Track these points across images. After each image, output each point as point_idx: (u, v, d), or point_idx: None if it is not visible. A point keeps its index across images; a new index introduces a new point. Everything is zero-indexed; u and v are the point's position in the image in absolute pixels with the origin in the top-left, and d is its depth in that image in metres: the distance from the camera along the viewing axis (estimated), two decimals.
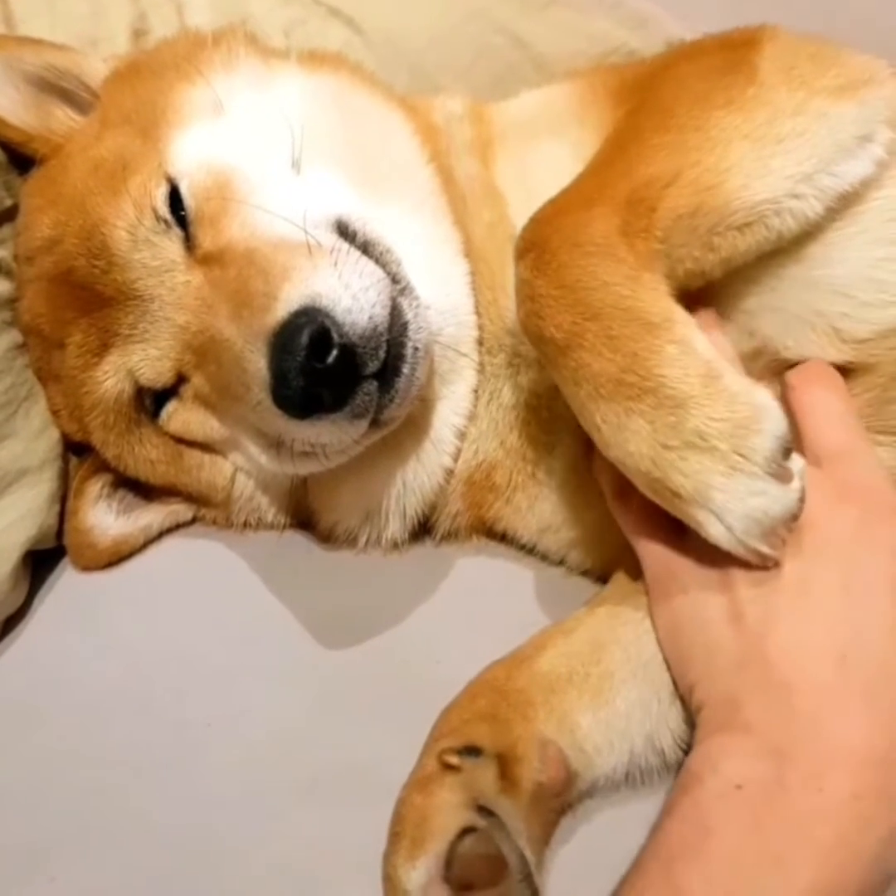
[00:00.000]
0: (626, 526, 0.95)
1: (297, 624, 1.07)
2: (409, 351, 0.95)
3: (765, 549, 0.79)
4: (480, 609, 1.10)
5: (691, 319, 0.84)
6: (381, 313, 0.92)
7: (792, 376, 0.96)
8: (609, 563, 1.07)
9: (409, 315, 0.96)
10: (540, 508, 1.11)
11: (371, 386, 0.93)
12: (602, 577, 1.09)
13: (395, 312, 0.94)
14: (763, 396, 0.80)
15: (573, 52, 1.62)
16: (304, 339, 0.87)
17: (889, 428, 0.97)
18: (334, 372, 0.89)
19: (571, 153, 1.07)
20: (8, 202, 1.16)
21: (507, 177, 1.12)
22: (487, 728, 0.87)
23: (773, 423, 0.79)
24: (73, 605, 1.12)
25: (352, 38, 1.53)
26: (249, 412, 0.98)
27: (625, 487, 0.90)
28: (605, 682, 0.92)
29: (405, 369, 0.95)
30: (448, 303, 1.05)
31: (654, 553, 0.91)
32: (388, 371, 0.94)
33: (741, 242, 0.92)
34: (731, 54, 1.02)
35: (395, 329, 0.94)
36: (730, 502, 0.78)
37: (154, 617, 1.09)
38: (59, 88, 1.16)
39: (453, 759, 0.84)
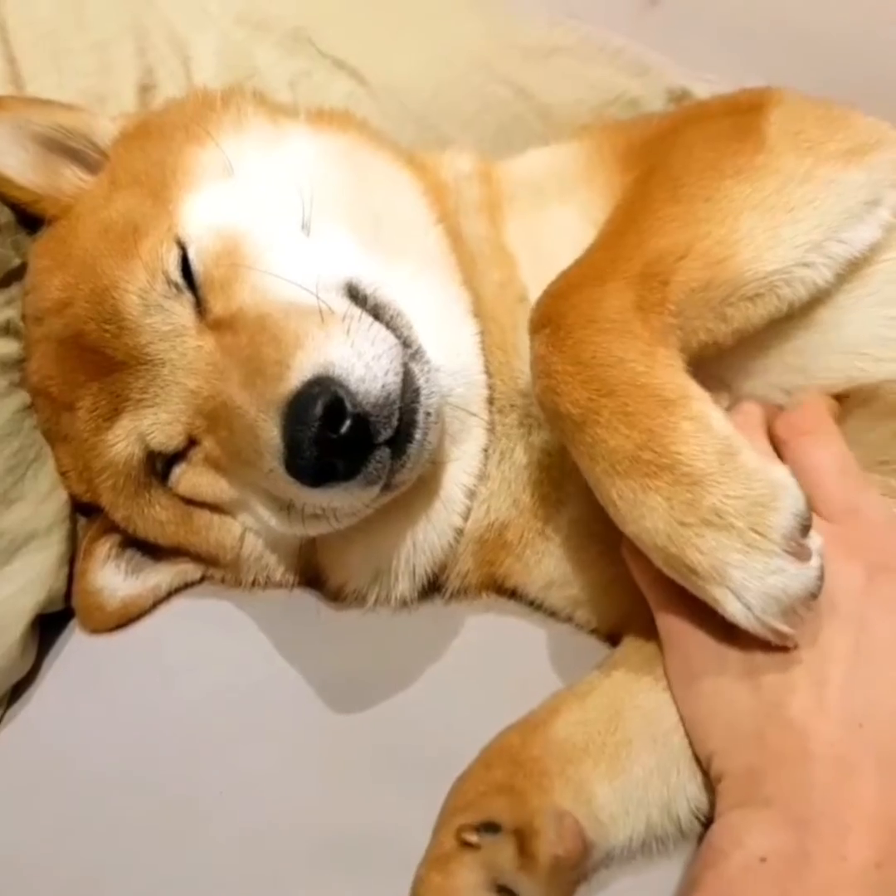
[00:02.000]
0: (642, 583, 0.94)
1: (306, 686, 1.06)
2: (420, 417, 0.96)
3: (783, 627, 0.79)
4: (491, 669, 1.09)
5: (707, 395, 0.85)
6: (393, 381, 0.92)
7: (781, 429, 0.96)
8: (616, 622, 1.07)
9: (420, 380, 0.96)
10: (546, 565, 1.11)
11: (383, 453, 0.93)
12: (610, 637, 1.09)
13: (406, 378, 0.95)
14: (781, 473, 0.81)
15: (576, 101, 1.63)
16: (318, 409, 0.87)
17: None
18: (347, 441, 0.89)
19: (580, 216, 1.08)
20: (16, 262, 1.16)
21: (516, 238, 1.12)
22: (504, 801, 0.86)
23: (791, 500, 0.79)
24: (81, 670, 1.11)
25: (356, 90, 1.54)
26: (261, 478, 0.98)
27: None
28: (623, 750, 0.91)
29: (417, 435, 0.96)
30: (458, 363, 1.05)
31: (670, 616, 0.91)
32: (401, 437, 0.94)
33: (753, 313, 0.93)
34: (739, 119, 1.03)
35: (407, 395, 0.94)
36: (748, 580, 0.78)
37: (163, 680, 1.08)
38: (67, 148, 1.16)
39: (472, 837, 0.83)
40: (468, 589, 1.15)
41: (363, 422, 0.89)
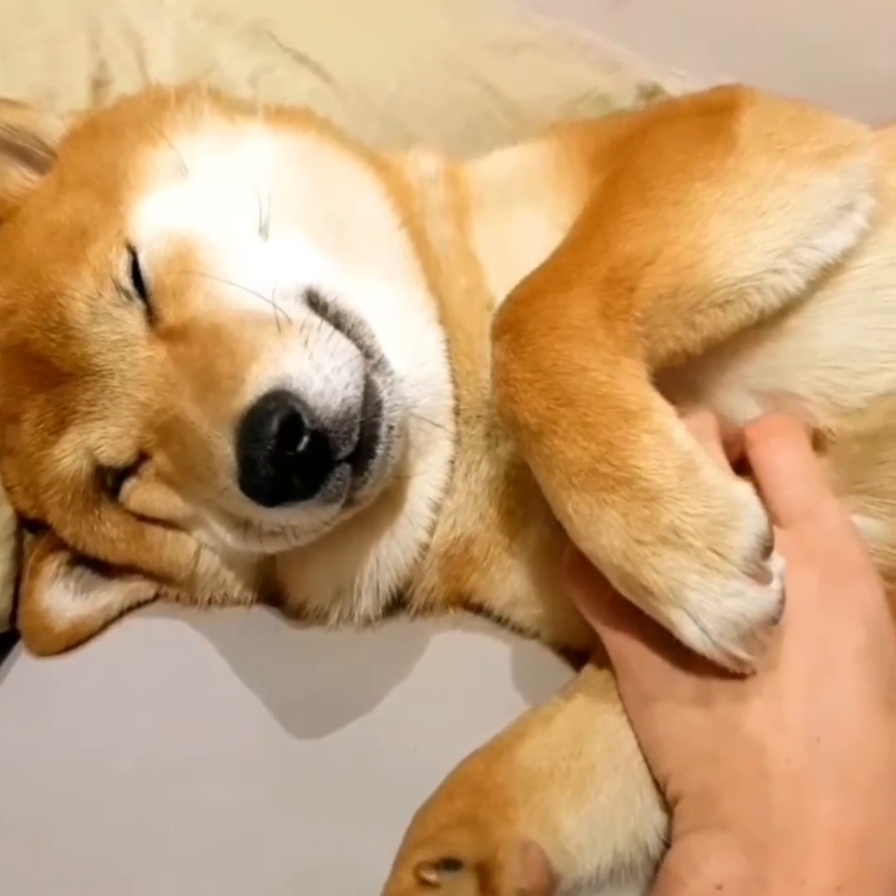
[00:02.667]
0: (586, 610, 0.91)
1: (265, 709, 1.02)
2: (383, 431, 0.92)
3: (741, 653, 0.76)
4: (457, 688, 1.06)
5: (670, 408, 0.81)
6: (353, 395, 0.88)
7: (751, 430, 0.93)
8: (583, 642, 1.03)
9: (383, 393, 0.92)
10: (511, 581, 1.07)
11: (343, 470, 0.89)
12: (578, 654, 1.05)
13: (368, 391, 0.91)
14: (743, 491, 0.77)
15: (544, 98, 1.61)
16: (274, 426, 0.84)
17: (876, 489, 0.95)
18: (305, 459, 0.85)
19: (547, 221, 1.04)
20: None
21: (483, 244, 1.08)
22: (466, 834, 0.83)
23: (752, 520, 0.75)
24: (27, 695, 1.06)
25: (320, 86, 1.50)
26: (215, 495, 0.94)
27: (578, 568, 0.87)
28: (587, 776, 0.88)
29: (379, 450, 0.92)
30: (423, 372, 1.01)
31: (617, 639, 0.88)
32: (362, 452, 0.91)
33: (723, 320, 0.90)
34: (709, 120, 0.99)
35: (369, 409, 0.91)
36: (704, 603, 0.74)
37: (115, 705, 1.03)
38: (13, 147, 1.11)
39: (431, 876, 0.80)
40: (434, 605, 1.11)
41: (322, 438, 0.86)
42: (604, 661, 0.94)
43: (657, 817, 0.88)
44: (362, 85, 1.51)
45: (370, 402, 0.91)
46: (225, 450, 0.86)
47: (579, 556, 0.89)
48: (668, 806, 0.86)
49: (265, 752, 1.00)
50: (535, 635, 1.09)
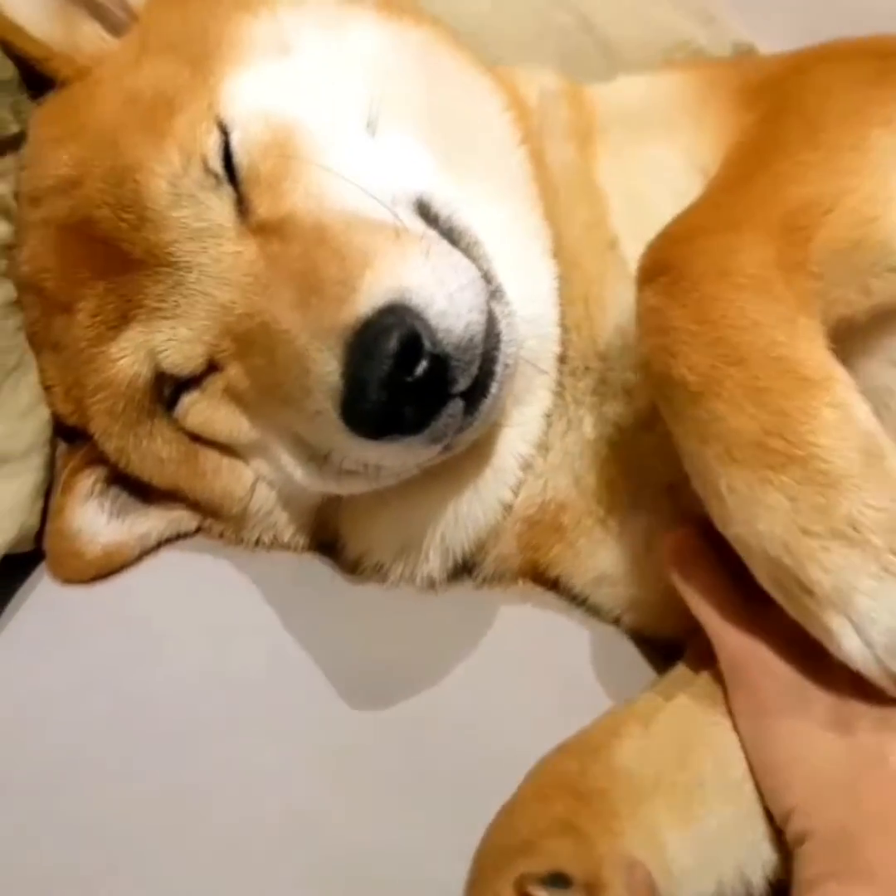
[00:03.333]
0: (696, 605, 0.80)
1: (315, 671, 0.91)
2: (499, 368, 0.81)
3: None
4: (525, 669, 0.96)
5: (851, 381, 0.71)
6: (478, 320, 0.77)
7: None
8: (673, 632, 0.93)
9: (502, 325, 0.81)
10: (601, 557, 0.96)
11: (456, 406, 0.78)
12: (663, 645, 0.95)
13: (489, 320, 0.79)
14: None
15: (641, 41, 1.51)
16: (393, 344, 0.72)
17: None
18: (421, 386, 0.73)
19: (684, 158, 0.94)
20: (14, 128, 0.97)
21: (608, 175, 0.97)
22: (570, 846, 0.72)
23: None
24: (49, 626, 0.93)
25: None
26: (297, 420, 0.81)
27: (689, 555, 0.78)
28: (695, 793, 0.77)
29: (494, 388, 0.81)
30: (532, 310, 0.90)
31: (733, 642, 0.77)
32: (476, 388, 0.79)
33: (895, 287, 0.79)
34: (881, 64, 0.90)
35: (489, 340, 0.79)
36: (876, 612, 0.65)
37: (149, 649, 0.91)
38: (90, 1, 0.97)
39: (540, 892, 0.68)
40: (504, 574, 1.00)
41: (442, 365, 0.74)
42: (705, 661, 0.84)
43: (767, 853, 0.77)
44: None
45: (490, 332, 0.79)
46: (328, 366, 0.74)
47: (693, 541, 0.80)
48: (779, 841, 0.76)
49: (312, 716, 0.88)
50: (616, 620, 0.98)
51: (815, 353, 0.71)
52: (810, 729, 0.72)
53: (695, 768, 0.79)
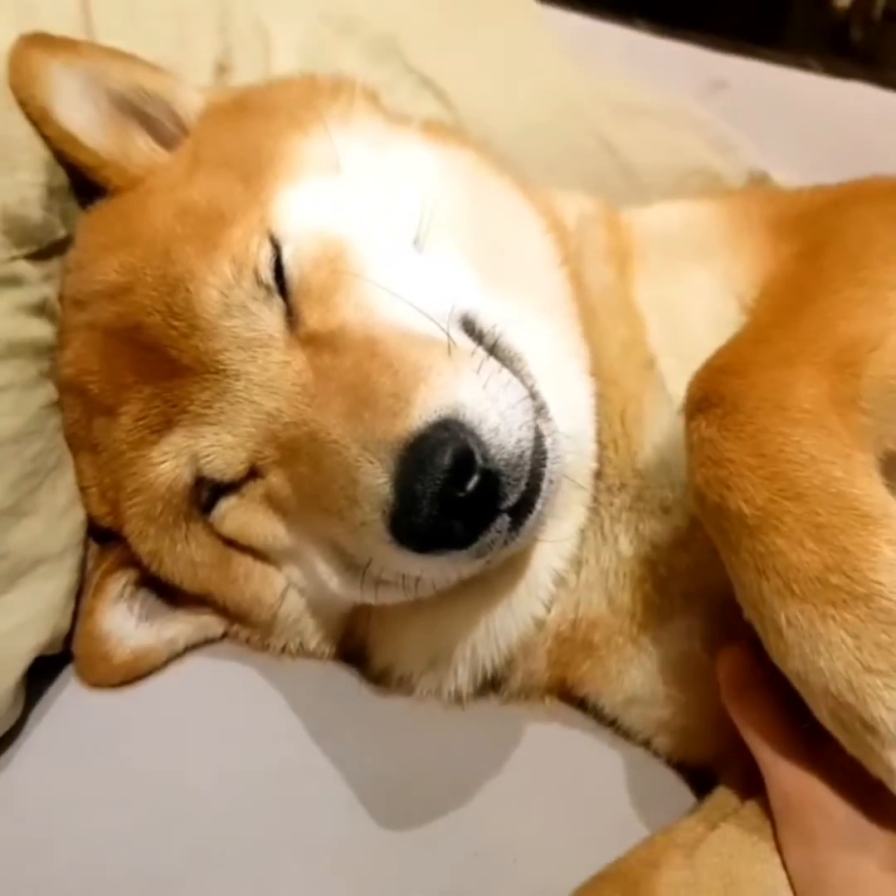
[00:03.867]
0: (752, 738, 0.79)
1: (342, 787, 0.89)
2: (546, 484, 0.81)
3: None
4: (555, 791, 0.94)
5: None
6: (527, 437, 0.78)
7: None
8: (708, 757, 0.93)
9: (548, 442, 0.82)
10: (632, 677, 0.96)
11: (504, 522, 0.77)
12: (695, 769, 0.94)
13: (536, 437, 0.79)
14: None
15: (661, 166, 1.56)
16: (447, 459, 0.72)
17: None
18: (471, 502, 0.73)
19: (720, 284, 0.97)
20: (61, 233, 0.99)
21: (645, 296, 0.99)
22: None
23: None
24: (75, 731, 0.91)
25: (442, 113, 1.41)
26: (340, 529, 0.81)
27: (745, 683, 0.77)
28: None
29: (539, 505, 0.81)
30: (571, 426, 0.90)
31: (788, 777, 0.76)
32: (522, 504, 0.79)
33: None
34: None
35: (535, 457, 0.79)
36: None
37: (173, 757, 0.89)
38: (143, 114, 1.00)
39: None
40: (532, 691, 0.99)
41: (493, 481, 0.74)
42: (747, 788, 0.83)
43: None
44: (485, 121, 1.43)
45: (537, 449, 0.79)
46: (378, 478, 0.74)
47: (746, 665, 0.79)
48: None
49: (340, 836, 0.86)
50: (646, 742, 0.97)
51: (872, 488, 0.71)
52: (869, 871, 0.71)
53: None
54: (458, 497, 0.73)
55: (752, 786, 0.83)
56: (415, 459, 0.73)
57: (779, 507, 0.71)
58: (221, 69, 1.23)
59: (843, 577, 0.68)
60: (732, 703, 0.80)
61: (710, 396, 0.77)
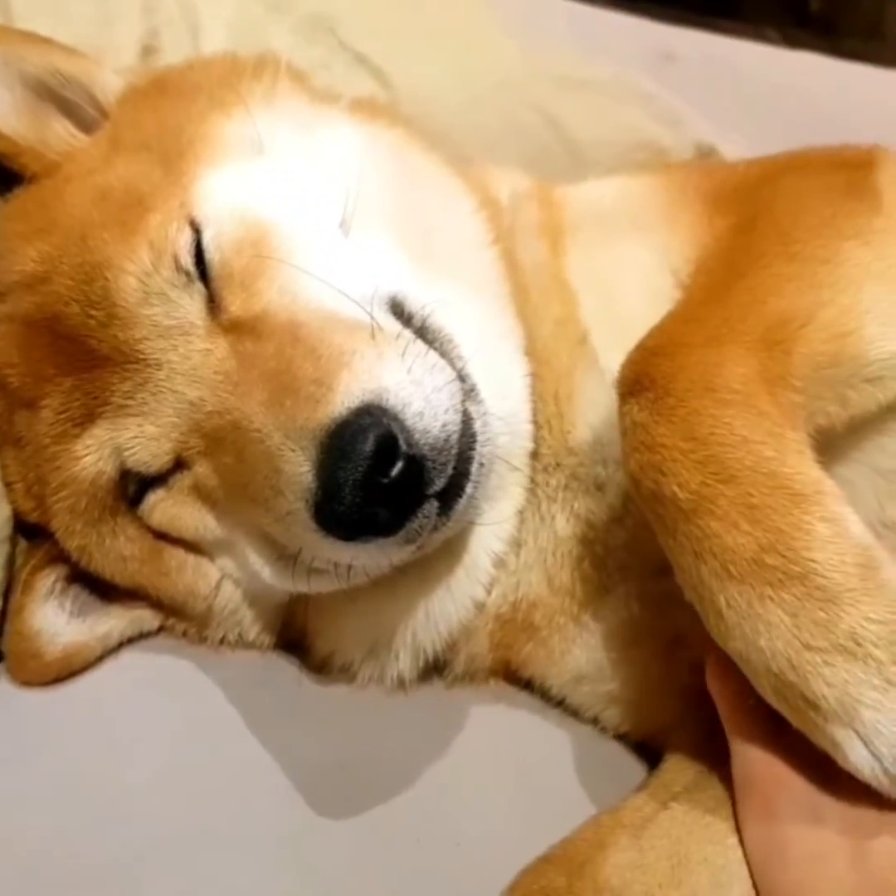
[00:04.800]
0: (726, 715, 0.79)
1: (283, 778, 0.87)
2: (475, 468, 0.80)
3: None
4: (504, 773, 0.93)
5: (841, 493, 0.71)
6: (453, 421, 0.77)
7: None
8: (655, 729, 0.93)
9: (477, 424, 0.81)
10: (576, 655, 0.95)
11: (432, 507, 0.77)
12: (643, 744, 0.94)
13: (464, 420, 0.78)
14: None
15: (605, 141, 1.54)
16: (369, 445, 0.71)
17: None
18: (396, 488, 0.72)
19: (656, 257, 0.96)
20: None
21: (578, 272, 0.98)
22: None
23: None
24: (7, 731, 0.89)
25: (378, 91, 1.38)
26: (267, 519, 0.79)
27: (727, 666, 0.76)
28: None
29: (469, 489, 0.80)
30: (505, 408, 0.89)
31: (752, 754, 0.75)
32: (451, 489, 0.78)
33: (872, 397, 0.81)
34: (850, 175, 0.93)
35: (463, 441, 0.78)
36: (881, 724, 0.65)
37: (108, 754, 0.87)
38: (60, 98, 0.98)
39: None
40: (476, 673, 0.99)
41: (417, 466, 0.73)
42: (695, 761, 0.84)
43: None
44: (422, 97, 1.40)
45: (465, 432, 0.78)
46: (300, 467, 0.73)
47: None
48: None
49: (281, 829, 0.85)
50: (594, 720, 0.96)
51: (804, 466, 0.71)
52: (821, 845, 0.71)
53: (690, 885, 0.76)
54: (383, 483, 0.72)
55: (704, 756, 0.84)
56: (337, 446, 0.72)
57: (712, 490, 0.71)
58: (148, 51, 1.20)
59: (779, 557, 0.68)
60: (714, 681, 0.80)
61: (641, 380, 0.77)
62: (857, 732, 0.66)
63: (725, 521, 0.69)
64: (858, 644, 0.65)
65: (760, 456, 0.71)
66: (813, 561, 0.67)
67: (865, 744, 0.66)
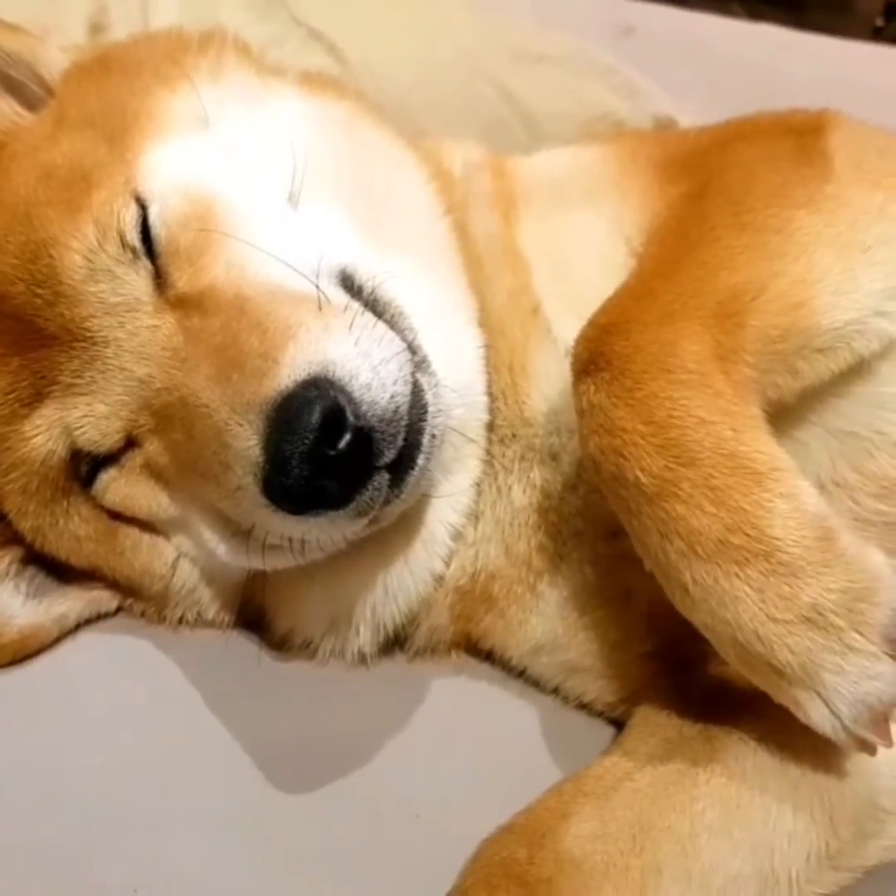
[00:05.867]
0: None
1: (243, 756, 0.88)
2: (426, 439, 0.80)
3: (872, 738, 0.70)
4: (463, 744, 0.94)
5: (795, 465, 0.73)
6: (402, 392, 0.76)
7: None
8: (616, 696, 0.93)
9: (428, 396, 0.80)
10: (533, 626, 0.95)
11: (382, 479, 0.76)
12: (603, 713, 0.95)
13: (414, 391, 0.78)
14: (878, 560, 0.70)
15: (562, 113, 1.55)
16: (315, 418, 0.71)
17: None
18: (344, 460, 0.72)
19: (608, 226, 0.96)
20: None
21: (531, 241, 0.98)
22: None
23: (891, 593, 0.69)
24: None
25: (332, 67, 1.39)
26: (218, 495, 0.79)
27: None
28: (650, 879, 0.76)
29: (420, 460, 0.80)
30: (459, 379, 0.89)
31: None
32: (403, 461, 0.78)
33: (824, 367, 0.82)
34: (799, 141, 0.93)
35: (414, 412, 0.78)
36: (841, 685, 0.68)
37: (67, 735, 0.87)
38: (4, 76, 0.96)
39: None
40: (437, 646, 0.99)
41: (366, 438, 0.73)
42: (663, 723, 0.85)
43: None
44: (377, 72, 1.41)
45: (416, 404, 0.78)
46: (248, 441, 0.73)
47: None
48: None
49: (241, 806, 0.85)
50: (555, 690, 0.96)
51: (760, 443, 0.73)
52: None
53: (652, 852, 0.77)
54: (330, 455, 0.71)
55: (666, 726, 0.85)
56: (283, 419, 0.72)
57: (675, 473, 0.72)
58: (96, 28, 1.19)
59: (744, 536, 0.70)
60: None
61: (596, 359, 0.77)
62: (818, 694, 0.69)
63: (690, 504, 0.71)
64: (820, 614, 0.68)
65: (719, 437, 0.72)
66: (776, 539, 0.69)
67: (826, 703, 0.69)
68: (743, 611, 0.69)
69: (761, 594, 0.69)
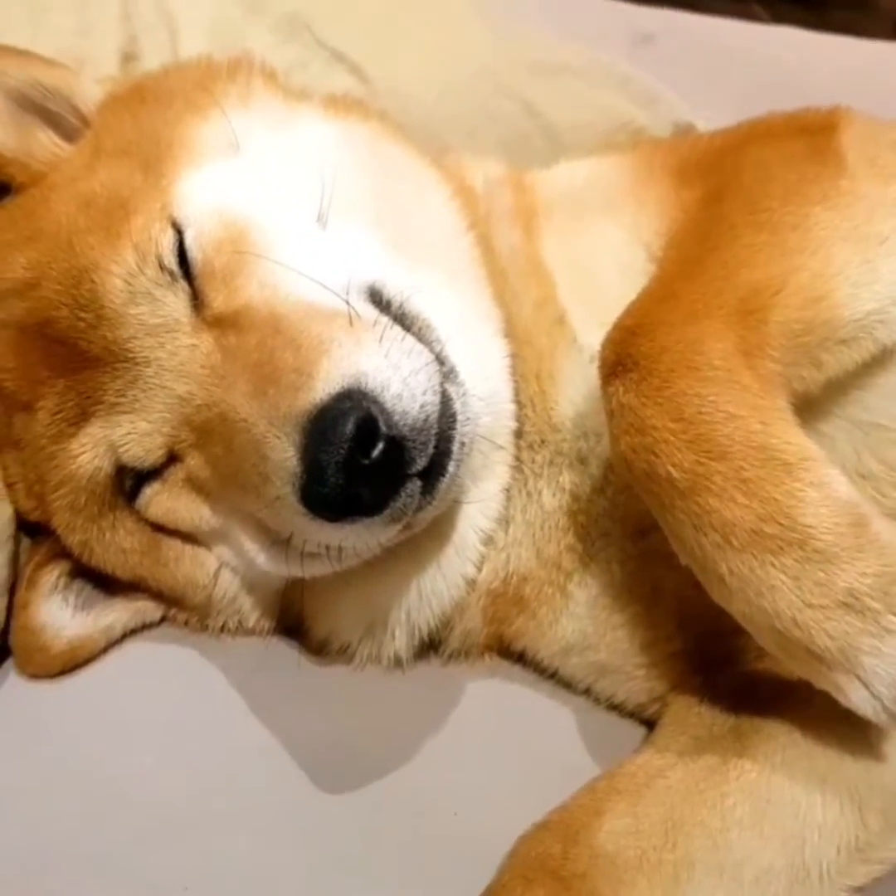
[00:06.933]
0: None
1: (286, 758, 0.91)
2: (456, 447, 0.82)
3: None
4: (498, 745, 0.96)
5: (824, 454, 0.74)
6: (432, 401, 0.79)
7: None
8: (648, 695, 0.95)
9: (457, 405, 0.83)
10: (564, 626, 0.98)
11: (414, 486, 0.79)
12: (634, 714, 0.97)
13: (443, 401, 0.81)
14: None
15: (583, 124, 1.55)
16: (349, 428, 0.74)
17: None
18: (377, 469, 0.75)
19: (628, 235, 0.98)
20: None
21: (553, 253, 1.00)
22: None
23: None
24: (16, 722, 0.93)
25: (356, 87, 1.41)
26: (258, 506, 0.82)
27: None
28: (683, 872, 0.78)
29: (451, 467, 0.82)
30: (486, 388, 0.91)
31: None
32: (433, 468, 0.80)
33: (847, 359, 0.83)
34: (814, 140, 0.94)
35: (444, 421, 0.80)
36: (879, 667, 0.70)
37: (116, 742, 0.91)
38: (43, 109, 1.00)
39: None
40: (471, 649, 1.01)
41: (398, 447, 0.76)
42: (693, 722, 0.87)
43: None
44: (400, 91, 1.43)
45: (445, 412, 0.81)
46: (285, 452, 0.76)
47: None
48: None
49: (286, 807, 0.88)
50: (586, 690, 0.98)
51: (789, 435, 0.74)
52: None
53: (685, 847, 0.79)
54: (364, 464, 0.74)
55: (697, 723, 0.87)
56: (318, 430, 0.74)
57: (706, 468, 0.73)
58: (128, 58, 1.23)
59: (777, 525, 0.71)
60: None
61: (623, 360, 0.79)
62: (858, 677, 0.70)
63: (722, 497, 0.73)
64: (856, 598, 0.69)
65: (748, 430, 0.74)
66: (809, 526, 0.70)
67: (866, 686, 0.70)
68: (780, 599, 0.71)
69: (797, 581, 0.70)
